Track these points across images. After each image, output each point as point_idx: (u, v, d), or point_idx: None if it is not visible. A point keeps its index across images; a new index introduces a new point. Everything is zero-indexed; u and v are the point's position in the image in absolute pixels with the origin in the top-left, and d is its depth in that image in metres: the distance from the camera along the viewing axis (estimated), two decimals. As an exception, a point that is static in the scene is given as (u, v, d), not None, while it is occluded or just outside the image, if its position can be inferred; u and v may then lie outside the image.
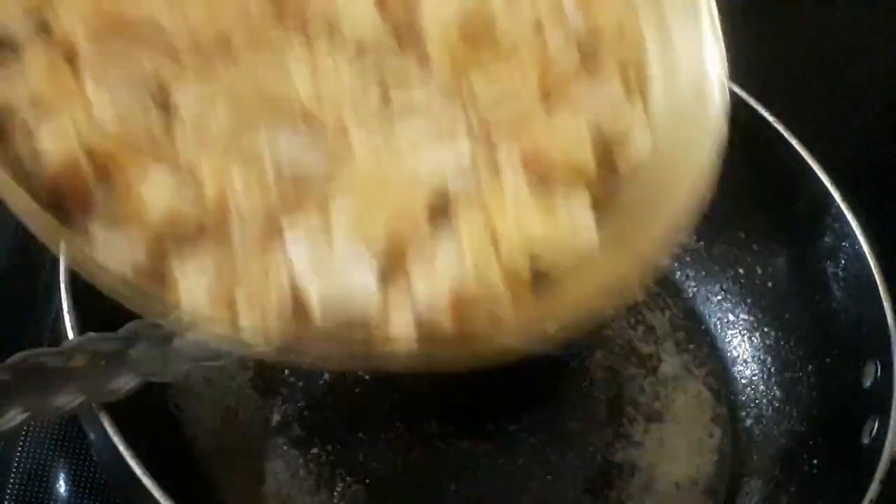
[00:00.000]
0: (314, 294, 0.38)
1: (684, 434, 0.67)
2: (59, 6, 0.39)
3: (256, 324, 0.38)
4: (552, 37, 0.44)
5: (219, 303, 0.38)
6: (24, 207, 0.37)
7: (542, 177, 0.42)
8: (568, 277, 0.42)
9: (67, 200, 0.38)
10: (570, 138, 0.43)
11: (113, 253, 0.37)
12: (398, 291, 0.39)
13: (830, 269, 0.64)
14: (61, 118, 0.38)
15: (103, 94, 0.38)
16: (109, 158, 0.38)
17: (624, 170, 0.45)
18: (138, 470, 0.48)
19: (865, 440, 0.57)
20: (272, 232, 0.39)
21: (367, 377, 0.64)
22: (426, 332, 0.40)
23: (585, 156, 0.43)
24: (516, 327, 0.41)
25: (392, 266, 0.40)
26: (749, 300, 0.70)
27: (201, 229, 0.39)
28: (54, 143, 0.37)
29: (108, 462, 0.53)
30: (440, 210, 0.41)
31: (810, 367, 0.65)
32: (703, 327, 0.72)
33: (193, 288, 0.38)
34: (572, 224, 0.42)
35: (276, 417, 0.62)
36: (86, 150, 0.37)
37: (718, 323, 0.72)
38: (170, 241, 0.38)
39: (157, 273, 0.38)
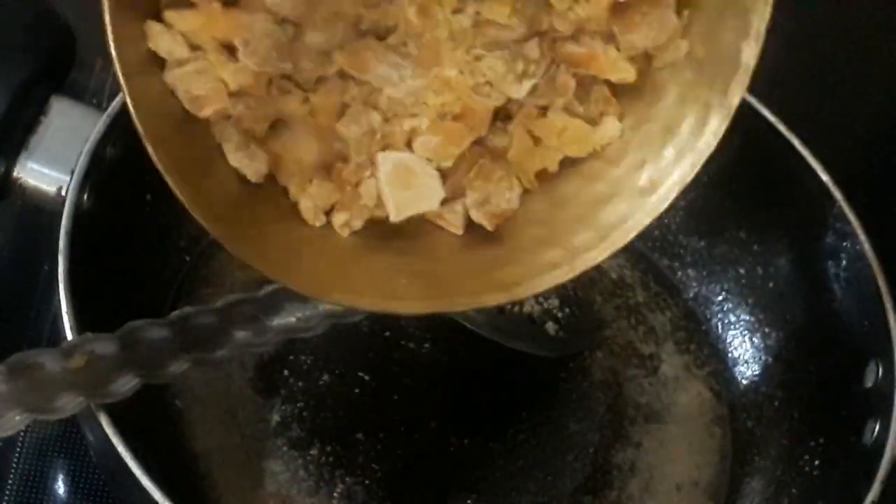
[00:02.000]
0: (392, 201, 0.49)
1: (685, 435, 0.67)
2: None
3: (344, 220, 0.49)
4: None
5: (319, 214, 0.49)
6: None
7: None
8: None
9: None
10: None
11: (243, 163, 0.47)
12: (455, 199, 0.50)
13: (832, 270, 0.64)
14: (214, 68, 0.46)
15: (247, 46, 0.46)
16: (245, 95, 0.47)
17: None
18: (138, 471, 0.48)
19: (867, 441, 0.57)
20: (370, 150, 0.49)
21: (366, 377, 0.64)
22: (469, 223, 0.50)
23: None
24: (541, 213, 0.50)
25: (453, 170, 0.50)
26: (750, 300, 0.70)
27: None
28: (206, 89, 0.45)
29: (108, 463, 0.53)
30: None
31: (811, 367, 0.65)
32: (703, 328, 0.72)
33: (306, 203, 0.48)
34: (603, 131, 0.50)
35: (275, 418, 0.62)
36: (231, 94, 0.46)
37: (719, 323, 0.71)
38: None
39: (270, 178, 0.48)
